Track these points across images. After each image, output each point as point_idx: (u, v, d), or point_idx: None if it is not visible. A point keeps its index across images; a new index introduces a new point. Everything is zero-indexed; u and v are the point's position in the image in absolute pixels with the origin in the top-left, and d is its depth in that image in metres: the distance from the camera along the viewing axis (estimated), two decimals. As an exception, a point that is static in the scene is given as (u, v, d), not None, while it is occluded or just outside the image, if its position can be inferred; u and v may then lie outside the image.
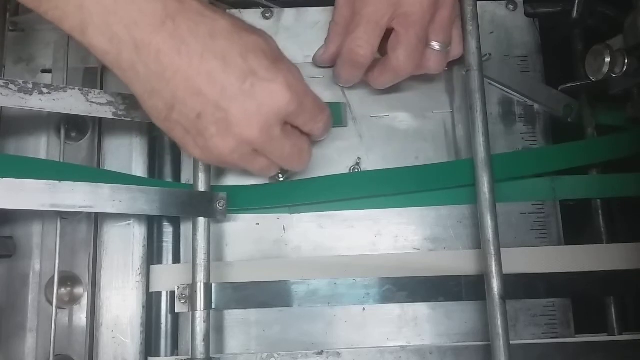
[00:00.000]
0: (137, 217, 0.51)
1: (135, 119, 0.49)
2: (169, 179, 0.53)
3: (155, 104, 0.41)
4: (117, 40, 0.38)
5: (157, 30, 0.38)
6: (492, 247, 0.47)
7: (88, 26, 0.38)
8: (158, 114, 0.41)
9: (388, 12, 0.47)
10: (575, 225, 0.53)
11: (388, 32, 0.48)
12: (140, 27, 0.38)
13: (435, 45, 0.48)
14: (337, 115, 0.52)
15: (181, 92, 0.40)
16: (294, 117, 0.43)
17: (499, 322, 0.45)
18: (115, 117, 0.48)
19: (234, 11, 0.55)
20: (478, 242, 0.49)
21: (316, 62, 0.53)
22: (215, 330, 0.49)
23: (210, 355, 0.46)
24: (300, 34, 0.55)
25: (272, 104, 0.41)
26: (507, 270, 0.47)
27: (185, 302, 0.48)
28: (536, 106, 0.54)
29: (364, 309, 0.50)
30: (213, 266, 0.47)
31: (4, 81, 0.46)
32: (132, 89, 0.41)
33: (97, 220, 0.51)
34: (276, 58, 0.42)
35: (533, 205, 0.52)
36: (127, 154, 0.52)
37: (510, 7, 0.56)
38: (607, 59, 0.49)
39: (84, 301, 0.50)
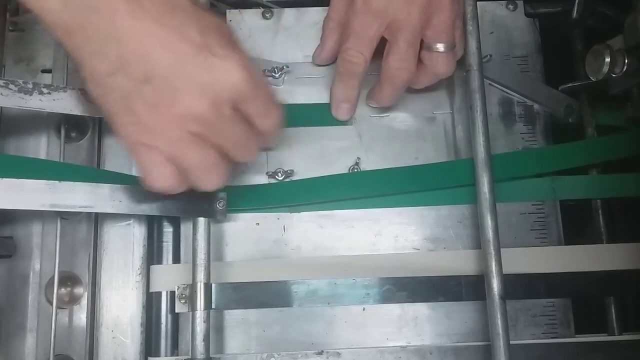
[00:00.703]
0: (137, 217, 0.51)
1: (135, 119, 0.49)
2: (169, 179, 0.53)
3: (96, 66, 0.39)
4: (73, 2, 0.38)
5: None
6: (492, 247, 0.47)
7: None
8: (96, 76, 0.40)
9: (375, 23, 0.47)
10: (575, 225, 0.53)
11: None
12: None
13: (440, 47, 0.48)
14: None
15: (130, 54, 0.38)
16: (246, 103, 0.41)
17: (499, 322, 0.45)
18: (115, 117, 0.48)
19: (234, 11, 0.55)
20: (478, 242, 0.49)
21: (315, 61, 0.54)
22: (215, 330, 0.49)
23: (210, 355, 0.46)
24: (300, 34, 0.55)
25: (225, 81, 0.39)
26: (507, 270, 0.47)
27: (185, 302, 0.48)
28: (536, 106, 0.54)
29: (364, 309, 0.50)
30: (213, 266, 0.47)
31: (4, 81, 0.46)
32: (73, 54, 0.39)
33: (97, 220, 0.51)
34: (233, 41, 0.41)
35: (533, 205, 0.52)
36: (127, 154, 0.52)
37: (510, 7, 0.56)
38: (607, 59, 0.49)
39: (84, 301, 0.50)
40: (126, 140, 0.41)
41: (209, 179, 0.43)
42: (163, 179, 0.42)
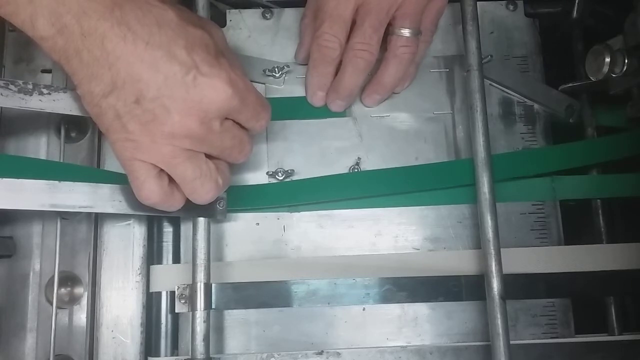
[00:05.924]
0: (137, 217, 0.51)
1: (135, 119, 0.49)
2: (169, 179, 0.53)
3: (92, 89, 0.40)
4: (67, 30, 0.39)
5: (105, 17, 0.39)
6: (492, 247, 0.47)
7: (38, 18, 0.38)
8: (91, 98, 0.41)
9: (349, 4, 0.48)
10: (575, 225, 0.53)
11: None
12: (88, 15, 0.38)
13: (404, 31, 0.49)
14: None
15: (122, 77, 0.39)
16: (236, 113, 0.43)
17: (499, 322, 0.45)
18: (115, 117, 0.48)
19: (234, 11, 0.55)
20: (478, 242, 0.49)
21: (297, 60, 0.54)
22: (215, 330, 0.49)
23: (210, 355, 0.46)
24: (300, 34, 0.55)
25: (213, 99, 0.41)
26: (507, 270, 0.47)
27: (185, 302, 0.48)
28: (536, 106, 0.54)
29: (364, 309, 0.50)
30: (213, 266, 0.47)
31: (4, 82, 0.46)
32: (72, 78, 0.41)
33: (97, 220, 0.51)
34: (219, 53, 0.42)
35: (533, 205, 0.52)
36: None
37: (510, 7, 0.56)
38: (607, 59, 0.49)
39: (84, 301, 0.50)
40: (121, 155, 0.42)
41: (205, 191, 0.44)
42: (156, 193, 0.43)
